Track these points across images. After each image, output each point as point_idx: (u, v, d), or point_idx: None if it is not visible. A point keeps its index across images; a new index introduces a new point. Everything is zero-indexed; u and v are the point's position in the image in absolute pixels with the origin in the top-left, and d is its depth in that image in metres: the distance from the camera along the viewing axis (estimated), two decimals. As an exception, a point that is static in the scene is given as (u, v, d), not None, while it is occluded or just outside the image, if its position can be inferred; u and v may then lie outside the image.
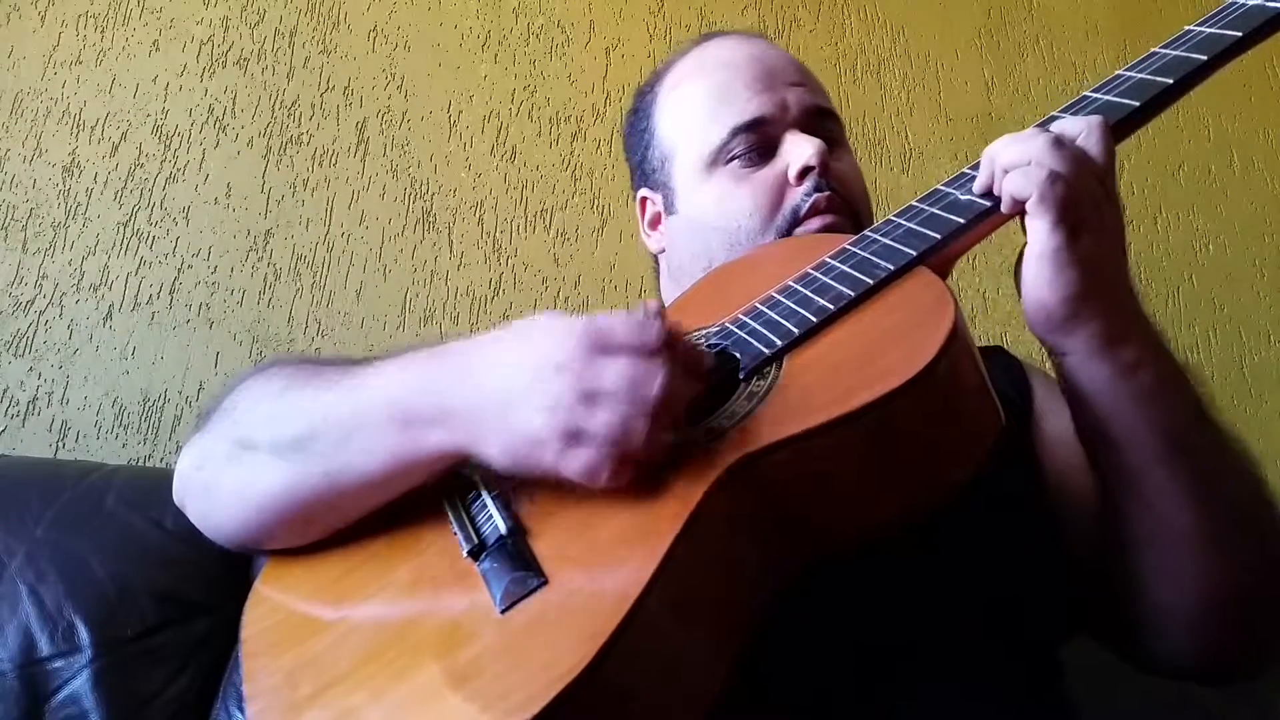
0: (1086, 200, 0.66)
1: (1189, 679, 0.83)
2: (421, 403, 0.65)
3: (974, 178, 0.73)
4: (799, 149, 0.89)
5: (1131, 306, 0.71)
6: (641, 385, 0.58)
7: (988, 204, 0.71)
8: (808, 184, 0.89)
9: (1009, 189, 0.68)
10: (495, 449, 0.62)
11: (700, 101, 0.95)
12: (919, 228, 0.72)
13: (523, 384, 0.61)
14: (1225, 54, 0.74)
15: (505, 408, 0.61)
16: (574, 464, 0.59)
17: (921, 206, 0.74)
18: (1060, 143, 0.68)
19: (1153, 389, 0.69)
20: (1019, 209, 0.68)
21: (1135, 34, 1.85)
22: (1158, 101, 0.73)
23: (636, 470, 0.59)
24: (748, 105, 0.92)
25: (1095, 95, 0.76)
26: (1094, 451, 0.73)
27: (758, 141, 0.91)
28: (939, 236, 0.70)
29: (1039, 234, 0.67)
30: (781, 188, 0.90)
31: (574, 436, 0.59)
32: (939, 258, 0.70)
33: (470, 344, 0.66)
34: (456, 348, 0.67)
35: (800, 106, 0.93)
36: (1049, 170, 0.66)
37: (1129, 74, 0.76)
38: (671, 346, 0.61)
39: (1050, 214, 0.65)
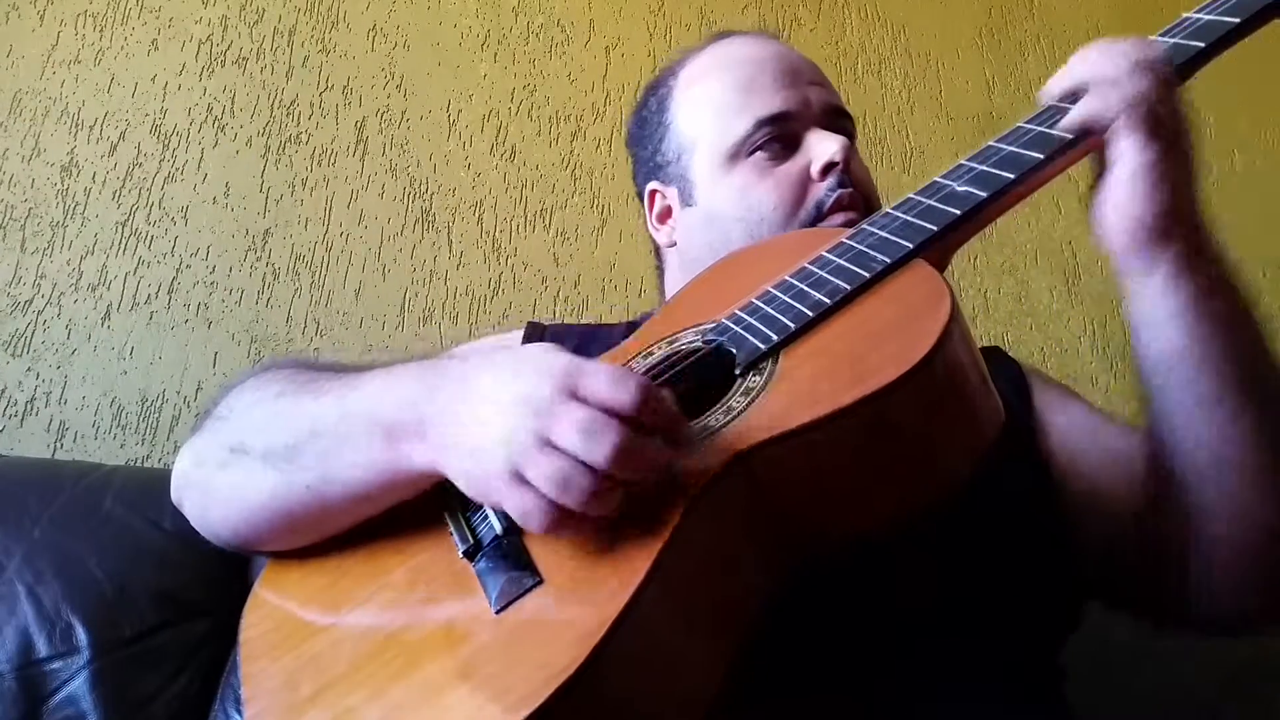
0: (1170, 118, 0.69)
1: (1227, 630, 0.83)
2: (407, 418, 0.64)
3: (971, 169, 0.74)
4: (824, 145, 0.91)
5: (1208, 229, 0.72)
6: (593, 443, 0.55)
7: (984, 195, 0.71)
8: (831, 180, 0.90)
9: (1096, 108, 0.70)
10: (456, 473, 0.61)
11: (724, 94, 0.96)
12: (916, 220, 0.71)
13: (490, 413, 0.59)
14: (1223, 40, 0.74)
15: (471, 435, 0.60)
16: (512, 503, 0.57)
17: (919, 199, 0.74)
18: (1145, 64, 0.70)
19: (1230, 312, 0.70)
20: (1105, 126, 0.70)
21: (1136, 33, 1.84)
22: None
23: (578, 526, 0.57)
24: (773, 99, 0.93)
25: None
26: (1165, 380, 0.72)
27: (781, 135, 0.92)
28: (935, 229, 0.70)
29: (1132, 150, 0.69)
30: (804, 182, 0.91)
31: (519, 476, 0.57)
32: (937, 250, 0.70)
33: (460, 364, 0.66)
34: (441, 366, 0.66)
35: (822, 104, 0.95)
36: (1139, 89, 0.69)
37: None
38: (644, 406, 0.57)
39: (1144, 129, 0.68)
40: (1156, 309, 0.71)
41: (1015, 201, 0.73)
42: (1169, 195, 0.69)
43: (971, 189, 0.72)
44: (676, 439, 0.59)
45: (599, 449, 0.55)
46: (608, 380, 0.57)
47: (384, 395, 0.66)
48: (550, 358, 0.61)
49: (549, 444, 0.56)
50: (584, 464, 0.55)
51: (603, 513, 0.56)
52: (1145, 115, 0.68)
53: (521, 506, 0.57)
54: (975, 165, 0.74)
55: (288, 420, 0.70)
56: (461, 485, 0.61)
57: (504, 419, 0.58)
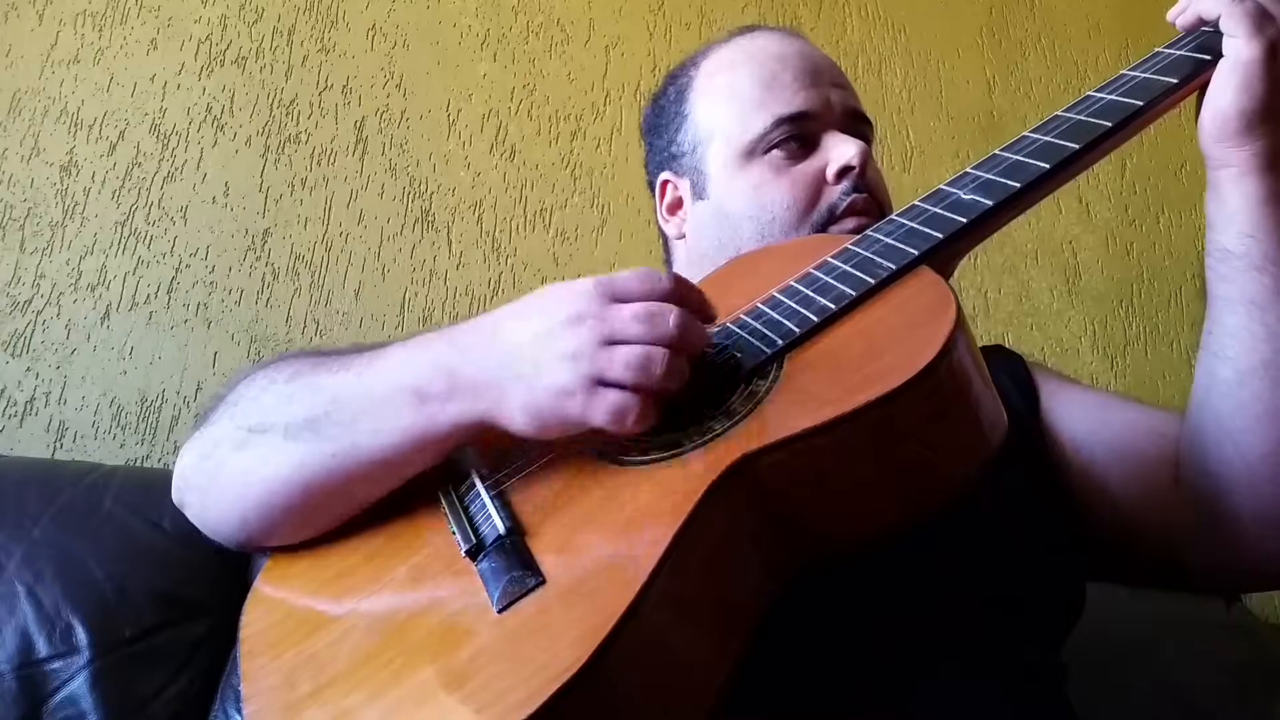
0: None
1: (1264, 579, 0.84)
2: (435, 378, 0.65)
3: (978, 177, 0.74)
4: (841, 148, 0.90)
5: None
6: (657, 320, 0.61)
7: (990, 203, 0.71)
8: (846, 184, 0.90)
9: (1199, 9, 0.73)
10: (518, 410, 0.63)
11: (746, 88, 0.95)
12: (921, 227, 0.72)
13: (540, 342, 0.62)
14: None
15: (524, 367, 0.62)
16: (601, 408, 0.60)
17: (924, 206, 0.74)
18: None
19: None
20: (1213, 19, 0.73)
21: (1137, 33, 1.85)
22: (1160, 101, 0.74)
23: (659, 410, 0.61)
24: (795, 98, 0.93)
25: (1099, 95, 0.76)
26: (1226, 273, 0.74)
27: (800, 135, 0.92)
28: (941, 236, 0.70)
29: (1233, 46, 0.71)
30: (819, 184, 0.91)
31: (599, 380, 0.60)
32: (942, 257, 0.70)
33: (479, 319, 0.68)
34: (465, 326, 0.68)
35: (843, 106, 0.95)
36: None
37: (1134, 74, 0.76)
38: (679, 290, 0.64)
39: (1244, 27, 0.70)
40: (1226, 201, 0.73)
41: (1023, 210, 0.73)
42: (1259, 95, 0.70)
43: (978, 197, 0.72)
44: (709, 315, 0.66)
45: (663, 326, 0.61)
46: (639, 278, 0.63)
47: (410, 361, 0.68)
48: (574, 282, 0.64)
49: (616, 340, 0.61)
50: (656, 340, 0.60)
51: (681, 383, 0.61)
52: (1251, 12, 0.70)
53: (612, 405, 0.60)
54: (981, 173, 0.74)
55: (308, 393, 0.70)
56: (525, 421, 0.63)
57: (557, 343, 0.61)
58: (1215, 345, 0.76)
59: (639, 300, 0.62)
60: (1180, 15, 0.76)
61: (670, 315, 0.61)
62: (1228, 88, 0.71)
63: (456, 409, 0.65)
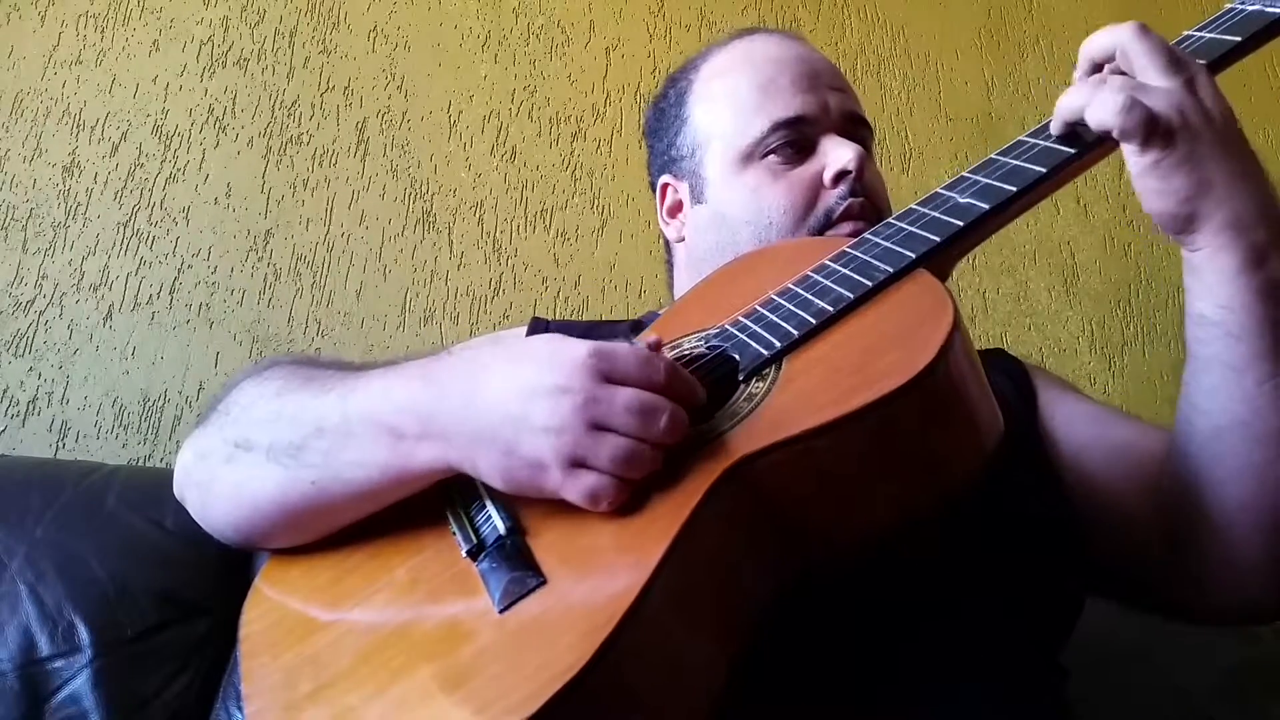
0: (1169, 110, 0.67)
1: (1241, 617, 0.83)
2: (408, 418, 0.65)
3: (975, 181, 0.74)
4: (839, 152, 0.90)
5: (1260, 196, 0.69)
6: (651, 419, 0.59)
7: (986, 206, 0.71)
8: (842, 188, 0.90)
9: (1094, 121, 0.68)
10: (491, 469, 0.62)
11: (743, 93, 0.95)
12: (918, 231, 0.72)
13: (522, 405, 0.60)
14: (1225, 59, 0.74)
15: (502, 428, 0.61)
16: (576, 488, 0.59)
17: (921, 210, 0.74)
18: (1110, 77, 0.70)
19: (1277, 283, 0.70)
20: (1105, 130, 0.69)
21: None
22: None
23: (631, 492, 0.60)
24: (791, 102, 0.93)
25: None
26: (1203, 336, 0.74)
27: (797, 139, 0.92)
28: (938, 239, 0.70)
29: (1132, 155, 0.68)
30: (816, 189, 0.91)
31: (578, 461, 0.59)
32: (939, 260, 0.70)
33: (464, 360, 0.66)
34: (449, 363, 0.67)
35: (840, 110, 0.95)
36: (1123, 96, 0.66)
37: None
38: (674, 381, 0.62)
39: (1135, 136, 0.66)
40: (1201, 275, 0.72)
41: (1019, 213, 0.73)
42: (1184, 184, 0.68)
43: (974, 201, 0.72)
44: (697, 404, 0.64)
45: (655, 425, 0.60)
46: (636, 361, 0.61)
47: (387, 395, 0.67)
48: (569, 346, 0.62)
49: (602, 428, 0.59)
50: (647, 438, 0.59)
51: (650, 471, 0.60)
52: (1138, 120, 0.66)
53: (589, 488, 0.59)
54: (978, 178, 0.74)
55: (291, 417, 0.70)
56: (498, 482, 0.62)
57: (540, 413, 0.60)
58: (1194, 398, 0.75)
59: (634, 385, 0.61)
60: (1057, 122, 0.73)
61: (664, 414, 0.60)
62: (1148, 193, 0.69)
63: (429, 452, 0.64)
